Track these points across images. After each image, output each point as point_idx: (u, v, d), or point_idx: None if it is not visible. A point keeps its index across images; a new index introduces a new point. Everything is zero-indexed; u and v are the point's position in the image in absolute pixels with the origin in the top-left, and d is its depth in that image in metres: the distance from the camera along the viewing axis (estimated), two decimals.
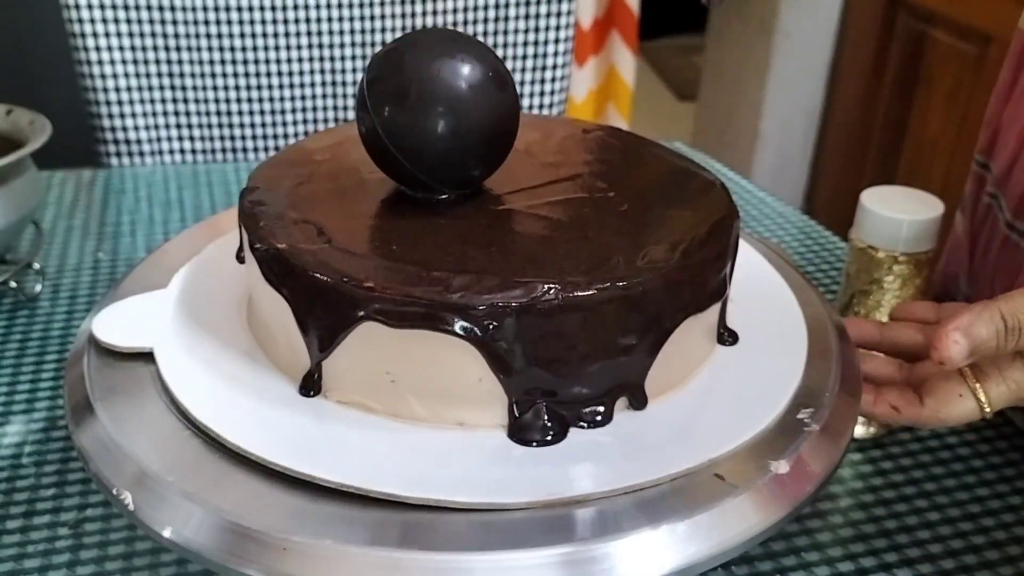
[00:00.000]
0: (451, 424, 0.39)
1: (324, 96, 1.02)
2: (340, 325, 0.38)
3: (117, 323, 0.44)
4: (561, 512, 0.35)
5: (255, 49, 0.98)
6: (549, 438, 0.38)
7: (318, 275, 0.37)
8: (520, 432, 0.38)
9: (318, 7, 0.97)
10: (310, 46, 0.99)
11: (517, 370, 0.37)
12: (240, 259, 0.46)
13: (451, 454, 0.37)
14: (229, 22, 0.96)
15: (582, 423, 0.39)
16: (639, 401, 0.40)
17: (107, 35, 0.95)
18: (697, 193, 0.46)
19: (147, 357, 0.42)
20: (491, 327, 0.36)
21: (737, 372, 0.43)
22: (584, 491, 0.35)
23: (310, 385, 0.40)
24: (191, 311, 0.45)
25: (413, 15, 1.00)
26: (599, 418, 0.39)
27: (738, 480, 0.36)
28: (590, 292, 0.37)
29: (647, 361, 0.39)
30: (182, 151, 1.03)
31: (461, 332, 0.36)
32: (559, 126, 0.53)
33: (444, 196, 0.43)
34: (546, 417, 0.38)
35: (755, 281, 0.49)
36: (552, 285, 0.37)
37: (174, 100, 1.00)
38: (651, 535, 0.34)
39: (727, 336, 0.45)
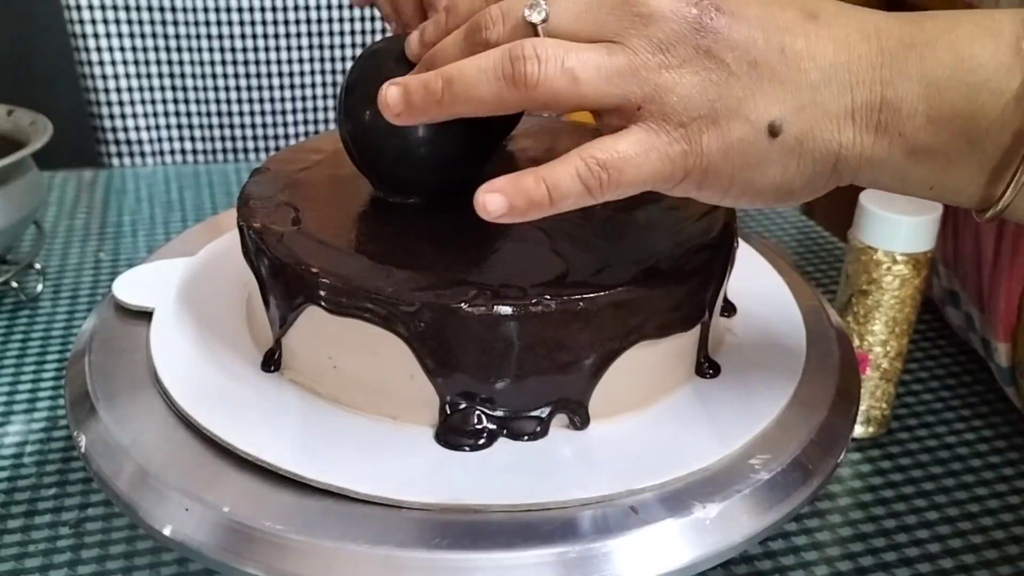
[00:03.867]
0: (385, 417, 0.39)
1: (324, 96, 1.02)
2: (290, 306, 0.39)
3: (135, 286, 0.46)
4: (536, 516, 0.34)
5: (255, 49, 0.98)
6: (473, 444, 0.37)
7: (277, 255, 0.39)
8: (446, 434, 0.37)
9: (318, 7, 0.97)
10: (310, 46, 0.99)
11: (445, 372, 0.37)
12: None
13: (375, 446, 0.37)
14: (230, 23, 0.96)
15: (512, 434, 0.38)
16: (580, 420, 0.38)
17: (108, 36, 0.95)
18: (693, 213, 0.43)
19: (146, 356, 0.43)
20: (420, 325, 0.36)
21: (702, 408, 0.41)
22: (473, 501, 0.34)
23: (270, 362, 0.41)
24: (191, 308, 0.45)
25: None
26: (533, 431, 0.38)
27: (653, 517, 0.34)
28: (521, 303, 0.36)
29: (589, 381, 0.38)
30: (183, 151, 1.03)
31: (391, 327, 0.36)
32: (560, 129, 0.53)
33: (412, 201, 0.43)
34: (475, 423, 0.37)
35: (754, 282, 0.49)
36: (486, 290, 0.36)
37: (175, 100, 1.00)
38: (651, 535, 0.34)
39: (707, 367, 0.42)
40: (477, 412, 0.37)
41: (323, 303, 0.37)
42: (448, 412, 0.38)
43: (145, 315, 0.45)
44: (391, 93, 0.35)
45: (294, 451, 0.36)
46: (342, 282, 0.37)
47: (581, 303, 0.36)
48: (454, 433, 0.37)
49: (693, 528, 0.35)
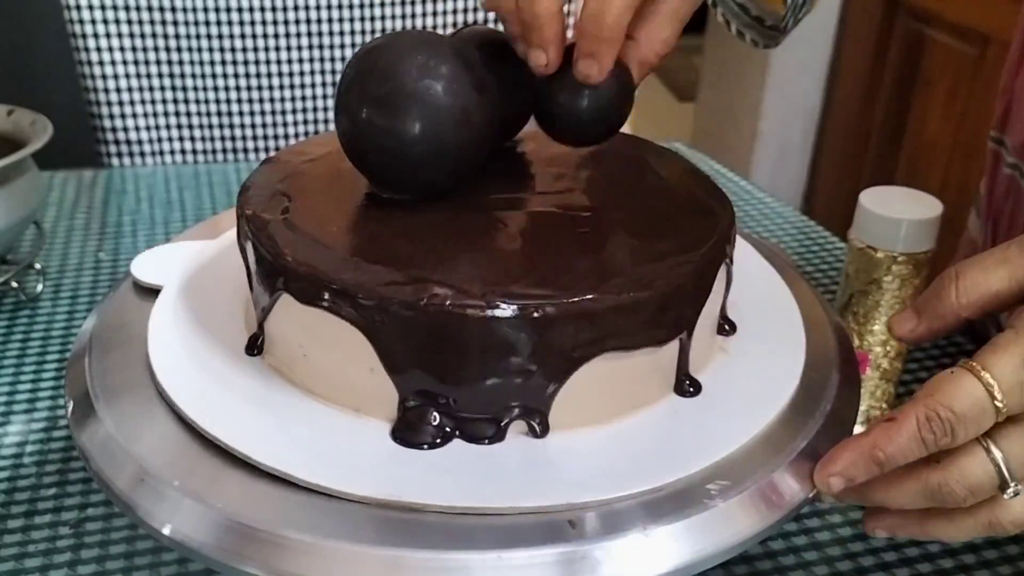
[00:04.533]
0: (349, 409, 0.39)
1: (324, 96, 1.02)
2: (269, 293, 0.40)
3: (152, 265, 0.48)
4: (545, 516, 0.34)
5: (255, 49, 0.98)
6: (429, 443, 0.37)
7: (258, 242, 0.40)
8: (402, 430, 0.37)
9: (318, 7, 0.97)
10: (310, 46, 0.99)
11: (402, 369, 0.37)
12: None
13: (334, 436, 0.38)
14: (229, 22, 0.96)
15: (466, 437, 0.37)
16: (540, 429, 0.38)
17: (108, 36, 0.95)
18: (687, 219, 0.42)
19: (145, 354, 0.43)
20: (377, 319, 0.36)
21: (672, 426, 0.39)
22: (412, 499, 0.34)
23: (254, 346, 0.42)
24: (190, 307, 0.45)
25: (414, 16, 1.00)
26: (488, 435, 0.37)
27: (589, 533, 0.34)
28: (476, 305, 0.35)
29: (548, 390, 0.37)
30: (183, 151, 1.03)
31: (351, 319, 0.37)
32: None
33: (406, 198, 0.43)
34: (433, 422, 0.37)
35: (753, 282, 0.49)
36: (446, 289, 0.36)
37: (175, 100, 1.00)
38: (651, 534, 0.34)
39: (688, 386, 0.41)
40: (433, 411, 0.37)
41: (293, 292, 0.38)
42: (404, 410, 0.38)
43: (144, 315, 0.45)
44: (834, 484, 0.36)
45: (255, 435, 0.37)
46: (309, 272, 0.37)
47: (536, 311, 0.35)
48: (409, 431, 0.37)
49: (634, 546, 0.34)
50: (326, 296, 0.37)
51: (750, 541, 0.36)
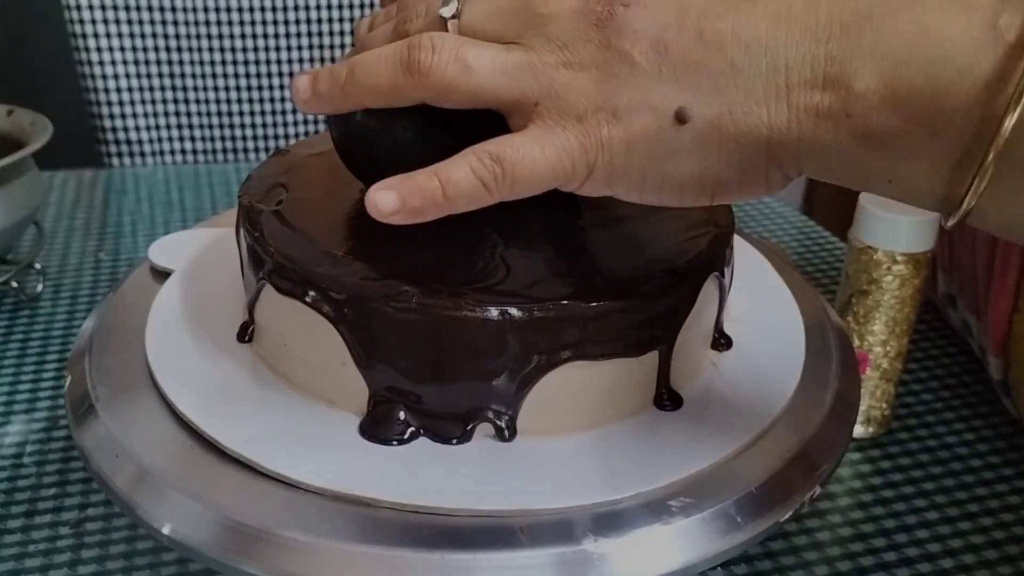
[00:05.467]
0: (323, 401, 0.39)
1: None
2: (255, 282, 0.40)
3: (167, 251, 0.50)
4: (544, 516, 0.34)
5: (255, 49, 0.98)
6: (397, 439, 0.37)
7: (249, 231, 0.41)
8: (369, 425, 0.38)
9: (318, 7, 0.97)
10: (310, 46, 0.99)
11: (371, 364, 0.37)
12: None
13: (305, 427, 0.38)
14: (229, 22, 0.96)
15: (431, 435, 0.37)
16: (506, 433, 0.37)
17: (108, 35, 0.95)
18: (673, 234, 0.41)
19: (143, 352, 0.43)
20: (346, 312, 0.36)
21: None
22: (363, 494, 0.35)
23: (244, 333, 0.43)
24: (191, 307, 0.45)
25: None
26: (454, 435, 0.37)
27: (535, 540, 0.33)
28: (442, 305, 0.35)
29: (515, 393, 0.37)
30: (183, 151, 1.03)
31: (324, 313, 0.37)
32: None
33: None
34: (398, 419, 0.37)
35: (754, 282, 0.49)
36: (414, 288, 0.36)
37: (175, 100, 1.00)
38: (651, 534, 0.34)
39: (666, 399, 0.40)
40: (401, 409, 0.37)
41: (272, 282, 0.39)
42: (372, 404, 0.38)
43: (143, 316, 0.45)
44: (301, 81, 0.37)
45: (230, 423, 0.38)
46: (288, 263, 0.38)
47: (501, 313, 0.35)
48: (377, 426, 0.38)
49: (692, 527, 0.34)
50: (301, 288, 0.38)
51: (705, 564, 0.34)
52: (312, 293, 0.37)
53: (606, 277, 0.38)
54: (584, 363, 0.37)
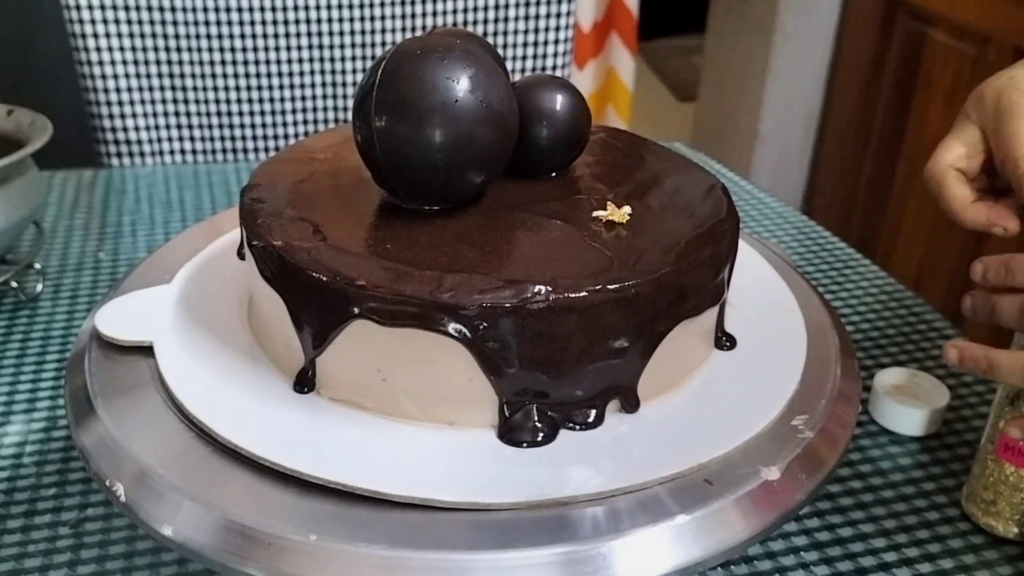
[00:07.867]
0: (442, 423, 0.39)
1: (324, 96, 1.03)
2: (332, 323, 0.38)
3: (119, 318, 0.44)
4: (552, 512, 0.35)
5: (255, 49, 0.98)
6: (539, 439, 0.38)
7: (311, 272, 0.38)
8: (510, 433, 0.38)
9: (318, 7, 0.97)
10: (310, 46, 0.99)
11: (507, 371, 0.37)
12: (241, 256, 0.47)
13: (440, 453, 0.37)
14: (229, 22, 0.96)
15: (572, 425, 0.39)
16: (631, 404, 0.40)
17: (108, 36, 0.95)
18: (696, 196, 0.45)
19: (147, 353, 0.42)
20: (481, 327, 0.36)
21: (733, 377, 0.43)
22: (571, 493, 0.35)
23: (304, 382, 0.40)
24: (192, 307, 0.45)
25: (414, 15, 1.00)
26: (590, 420, 0.39)
27: (728, 486, 0.36)
28: (582, 294, 0.36)
29: (639, 364, 0.39)
30: (182, 151, 1.03)
31: (451, 332, 0.36)
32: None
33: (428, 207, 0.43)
34: (536, 418, 0.38)
35: (754, 282, 0.49)
36: (544, 286, 0.36)
37: (174, 100, 1.00)
38: (651, 534, 0.34)
39: (725, 340, 0.45)
40: (537, 407, 0.38)
41: (374, 316, 0.37)
42: (507, 411, 0.38)
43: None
44: (950, 354, 0.44)
45: (353, 469, 0.36)
46: (393, 293, 0.36)
47: (633, 289, 0.37)
48: (517, 431, 0.38)
49: (694, 527, 0.35)
50: (420, 313, 0.36)
51: (746, 544, 0.36)
52: (434, 315, 0.36)
53: (682, 241, 0.41)
54: (688, 322, 0.40)
